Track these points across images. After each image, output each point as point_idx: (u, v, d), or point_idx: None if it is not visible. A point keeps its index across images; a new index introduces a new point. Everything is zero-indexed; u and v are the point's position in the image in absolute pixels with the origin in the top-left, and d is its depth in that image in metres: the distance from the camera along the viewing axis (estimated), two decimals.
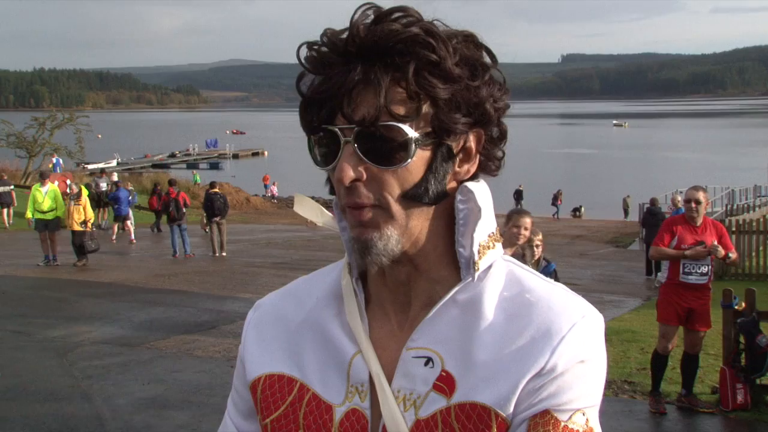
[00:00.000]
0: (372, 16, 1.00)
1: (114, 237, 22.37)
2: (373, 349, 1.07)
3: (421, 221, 1.03)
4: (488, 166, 1.09)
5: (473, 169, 1.06)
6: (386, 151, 0.98)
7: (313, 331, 1.14)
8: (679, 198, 20.57)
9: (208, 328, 10.11)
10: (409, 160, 0.99)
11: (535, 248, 6.25)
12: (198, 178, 44.06)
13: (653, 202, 19.41)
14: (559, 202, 38.63)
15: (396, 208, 1.00)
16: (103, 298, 12.58)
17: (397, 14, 0.99)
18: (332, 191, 1.08)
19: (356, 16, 1.00)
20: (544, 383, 0.98)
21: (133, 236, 22.34)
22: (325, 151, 1.02)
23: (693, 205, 6.59)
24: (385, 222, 1.01)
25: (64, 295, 12.86)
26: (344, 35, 1.00)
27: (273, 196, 43.54)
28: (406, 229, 1.02)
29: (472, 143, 1.05)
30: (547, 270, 6.41)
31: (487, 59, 1.04)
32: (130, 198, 25.27)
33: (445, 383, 1.02)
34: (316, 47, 1.02)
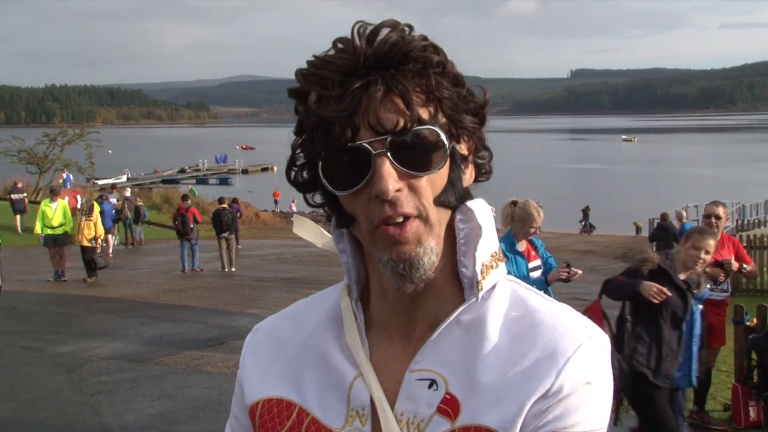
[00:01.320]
0: (366, 33, 1.00)
1: (110, 251, 22.34)
2: (373, 372, 1.05)
3: (445, 229, 1.03)
4: (480, 171, 1.09)
5: (472, 176, 1.07)
6: (421, 157, 0.97)
7: (313, 355, 1.12)
8: (685, 213, 20.49)
9: (217, 344, 10.10)
10: (443, 164, 0.99)
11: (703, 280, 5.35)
12: (196, 191, 43.96)
13: (663, 217, 19.27)
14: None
15: (433, 215, 0.99)
16: (112, 313, 12.59)
17: (391, 28, 1.00)
18: (341, 222, 1.05)
19: (353, 36, 1.00)
20: (550, 405, 0.97)
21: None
22: (350, 172, 0.98)
23: (713, 220, 6.56)
24: (426, 233, 0.99)
25: (74, 310, 12.89)
26: (347, 51, 0.99)
27: (292, 213, 43.55)
28: (439, 238, 1.01)
29: (465, 150, 1.05)
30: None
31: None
32: (142, 213, 25.42)
33: (450, 406, 1.01)
34: (317, 70, 0.99)
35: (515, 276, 4.46)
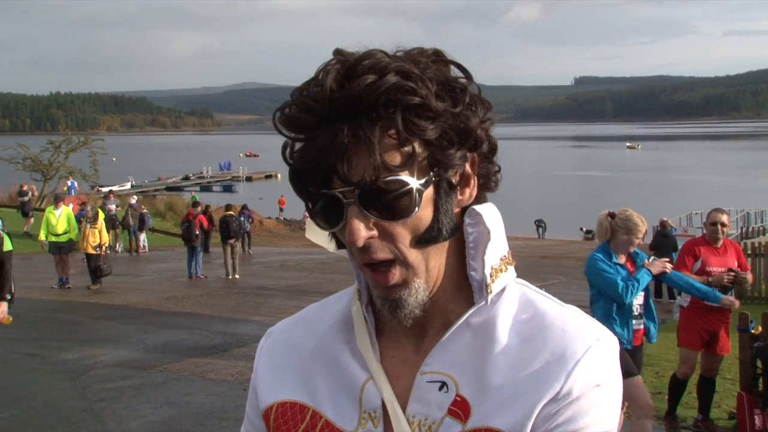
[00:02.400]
0: (342, 71, 0.97)
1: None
2: (384, 374, 1.07)
3: (437, 259, 1.03)
4: (487, 184, 1.08)
5: (474, 192, 1.06)
6: (392, 204, 0.97)
7: (325, 358, 1.13)
8: (668, 220, 20.51)
9: (221, 351, 10.10)
10: (417, 209, 0.98)
11: None
12: (197, 197, 44.15)
13: (663, 224, 19.30)
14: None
15: (413, 257, 1.00)
16: (117, 320, 12.61)
17: (367, 62, 0.97)
18: (339, 246, 1.08)
19: (327, 75, 0.97)
20: (560, 408, 0.97)
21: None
22: (328, 214, 1.00)
23: (718, 227, 6.58)
24: (409, 276, 1.01)
25: (78, 317, 12.91)
26: (317, 95, 0.97)
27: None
28: (428, 274, 1.02)
29: (467, 168, 1.04)
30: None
31: (460, 76, 1.03)
32: (146, 220, 25.57)
33: (461, 408, 1.01)
34: (291, 111, 1.00)
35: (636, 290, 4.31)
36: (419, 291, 1.01)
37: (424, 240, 1.00)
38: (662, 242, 18.29)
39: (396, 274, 1.00)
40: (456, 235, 1.04)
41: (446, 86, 0.99)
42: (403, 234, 0.99)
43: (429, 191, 0.99)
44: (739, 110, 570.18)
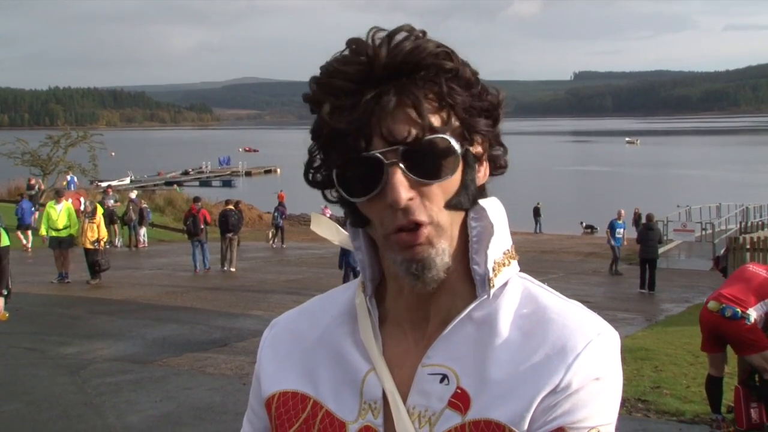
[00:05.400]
0: (384, 39, 1.00)
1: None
2: (386, 366, 1.08)
3: (458, 230, 1.05)
4: (496, 166, 1.11)
5: (488, 172, 1.09)
6: (433, 165, 0.99)
7: (328, 349, 1.14)
8: (623, 212, 21.15)
9: (220, 346, 10.12)
10: (455, 169, 1.00)
11: None
12: (179, 190, 44.95)
13: (649, 218, 19.58)
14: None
15: (445, 219, 1.01)
16: (116, 315, 12.62)
17: (405, 33, 1.01)
18: (356, 223, 1.08)
19: (370, 41, 1.00)
20: (559, 401, 0.98)
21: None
22: (364, 180, 1.00)
23: None
24: (437, 237, 1.01)
25: (77, 312, 12.92)
26: (358, 60, 0.99)
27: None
28: (452, 239, 1.04)
29: (480, 147, 1.07)
30: None
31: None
32: (146, 215, 25.61)
33: (461, 400, 1.02)
34: (330, 78, 1.00)
35: None
36: (444, 252, 1.01)
37: (452, 205, 1.02)
38: (647, 235, 18.68)
39: (425, 233, 1.00)
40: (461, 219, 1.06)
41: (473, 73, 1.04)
42: (438, 195, 1.01)
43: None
44: (739, 105, 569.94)
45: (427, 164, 0.99)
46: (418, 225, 0.99)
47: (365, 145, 0.98)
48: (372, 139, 0.98)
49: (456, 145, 1.00)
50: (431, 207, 1.00)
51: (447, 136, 0.99)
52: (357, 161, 0.99)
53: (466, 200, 1.03)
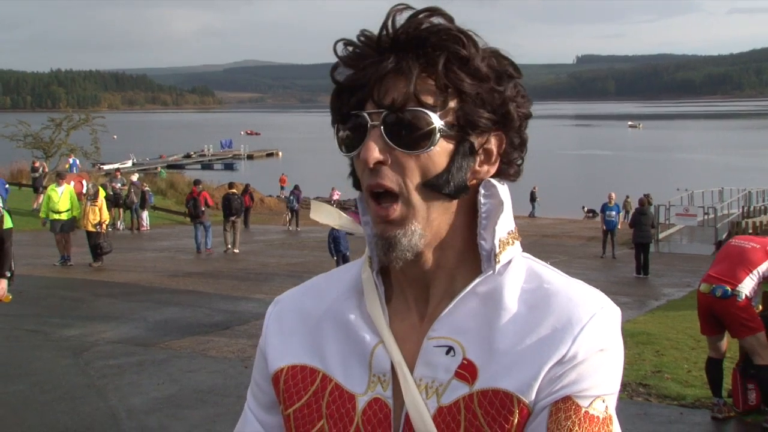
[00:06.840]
0: (405, 13, 1.04)
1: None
2: (394, 339, 1.10)
3: (441, 215, 1.06)
4: (507, 171, 1.11)
5: (493, 171, 1.09)
6: (411, 136, 1.02)
7: (335, 323, 1.16)
8: (614, 195, 21.13)
9: (222, 329, 10.16)
10: (433, 147, 1.02)
11: None
12: (164, 174, 45.39)
13: (642, 202, 19.66)
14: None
15: (416, 197, 1.03)
16: (118, 298, 12.66)
17: (429, 12, 1.04)
18: (355, 184, 1.11)
19: (390, 13, 1.04)
20: (566, 371, 1.01)
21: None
22: (352, 137, 1.06)
23: None
24: (408, 217, 1.03)
25: (80, 294, 12.96)
26: (372, 34, 1.05)
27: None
28: (428, 223, 1.05)
29: (493, 145, 1.08)
30: None
31: (512, 72, 1.08)
32: (148, 198, 25.67)
33: (467, 371, 1.05)
34: (352, 43, 1.06)
35: None
36: (414, 234, 1.04)
37: (430, 185, 1.03)
38: (640, 220, 18.76)
39: (397, 210, 1.03)
40: (462, 199, 1.07)
41: (495, 69, 1.05)
42: (413, 170, 1.03)
43: (449, 144, 1.04)
44: (743, 89, 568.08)
45: (403, 133, 1.01)
46: (388, 192, 1.03)
47: (357, 104, 1.05)
48: (366, 100, 1.04)
49: (438, 123, 1.01)
50: (402, 178, 1.03)
51: (428, 112, 1.01)
52: (348, 118, 1.06)
53: (446, 185, 1.04)
